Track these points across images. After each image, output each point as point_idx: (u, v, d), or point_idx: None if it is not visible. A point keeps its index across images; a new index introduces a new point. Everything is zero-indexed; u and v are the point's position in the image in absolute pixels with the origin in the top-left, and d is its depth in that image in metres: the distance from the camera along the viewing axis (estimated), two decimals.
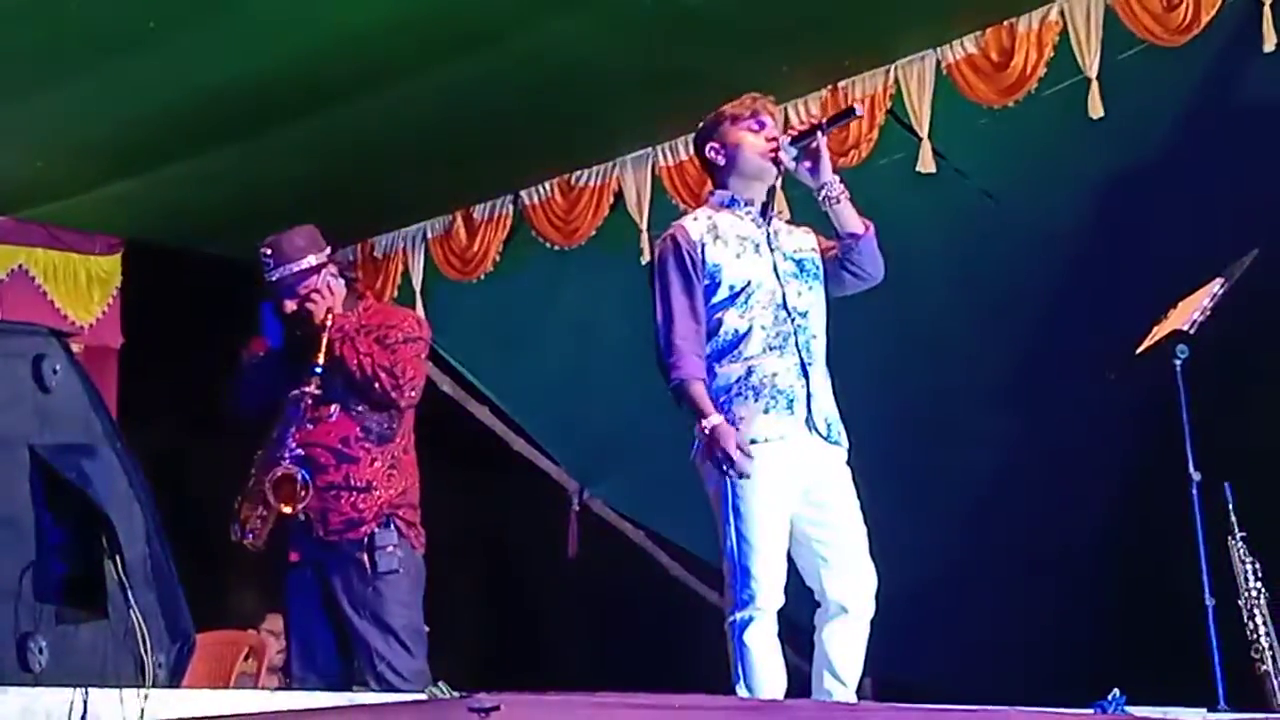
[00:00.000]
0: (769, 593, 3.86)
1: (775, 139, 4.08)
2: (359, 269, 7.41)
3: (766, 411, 3.91)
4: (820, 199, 4.05)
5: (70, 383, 3.27)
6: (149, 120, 6.22)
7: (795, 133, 4.10)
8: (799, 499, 3.93)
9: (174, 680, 3.22)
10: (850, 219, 4.04)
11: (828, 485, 3.96)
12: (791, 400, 3.93)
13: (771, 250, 4.04)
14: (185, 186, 6.88)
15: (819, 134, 4.03)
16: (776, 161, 4.06)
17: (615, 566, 7.90)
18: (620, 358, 7.17)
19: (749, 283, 3.98)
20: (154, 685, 3.03)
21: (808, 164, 4.05)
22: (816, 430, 3.95)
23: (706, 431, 3.87)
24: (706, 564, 6.46)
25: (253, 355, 4.70)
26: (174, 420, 7.15)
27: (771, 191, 4.18)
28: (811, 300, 4.04)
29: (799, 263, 4.07)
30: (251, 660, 5.71)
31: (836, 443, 3.99)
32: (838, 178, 4.04)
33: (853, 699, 3.97)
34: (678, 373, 3.93)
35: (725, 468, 3.84)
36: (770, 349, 3.95)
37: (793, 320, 3.98)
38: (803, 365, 3.96)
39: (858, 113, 4.33)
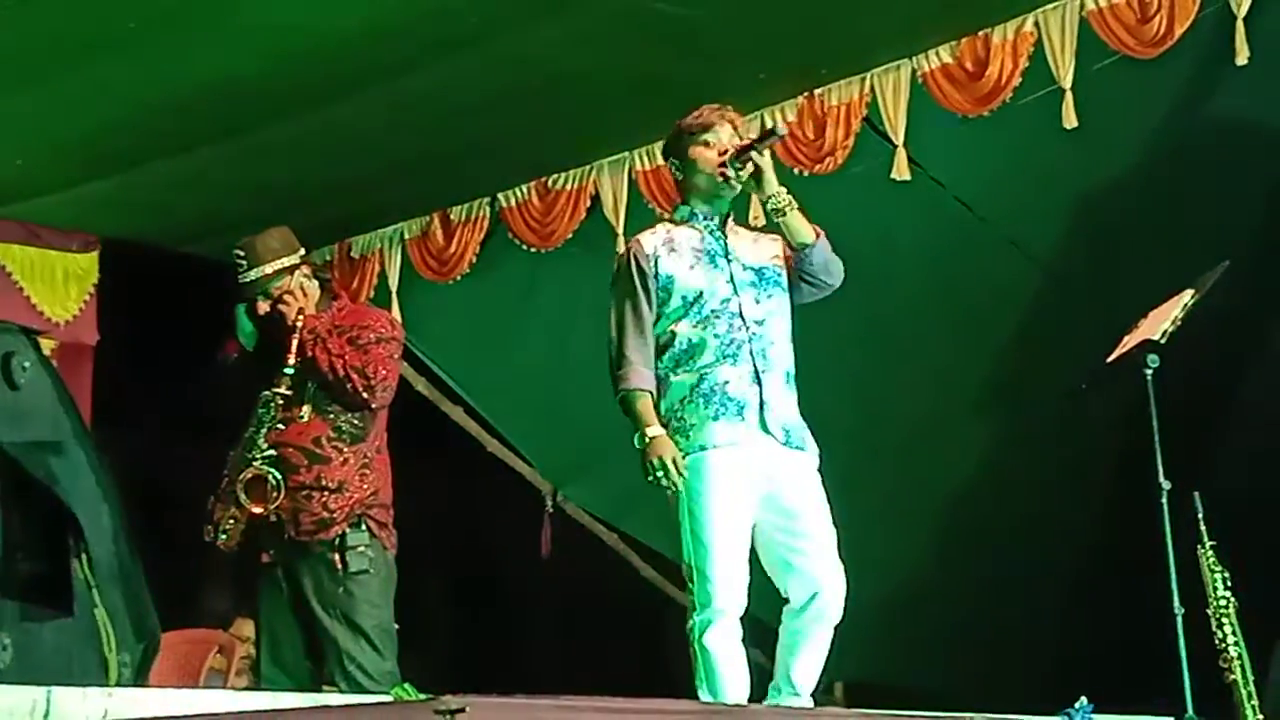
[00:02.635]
0: (726, 595, 3.88)
1: (725, 152, 4.10)
2: (335, 269, 7.41)
3: (716, 418, 3.95)
4: (769, 212, 4.09)
5: (39, 381, 3.26)
6: (128, 120, 6.21)
7: (733, 151, 4.13)
8: (760, 504, 3.95)
9: (139, 679, 3.22)
10: (799, 229, 4.07)
11: (792, 490, 3.98)
12: (742, 407, 3.96)
13: (729, 261, 4.08)
14: (163, 186, 6.87)
15: (752, 153, 4.06)
16: (727, 177, 4.09)
17: (588, 568, 7.91)
18: (595, 361, 7.15)
19: (701, 293, 4.02)
20: (118, 684, 3.02)
21: (754, 179, 4.08)
22: (772, 435, 3.97)
23: (647, 440, 3.93)
24: (678, 566, 6.46)
25: (227, 357, 4.70)
26: (148, 418, 7.14)
27: (731, 203, 4.18)
28: (770, 308, 4.06)
29: (759, 271, 4.10)
30: (221, 659, 5.70)
31: (799, 448, 4.01)
32: (784, 190, 4.06)
33: (808, 702, 3.98)
34: (625, 384, 4.01)
35: (659, 476, 3.90)
36: (724, 358, 3.99)
37: (747, 329, 4.01)
38: (756, 372, 3.98)
39: (780, 133, 4.30)
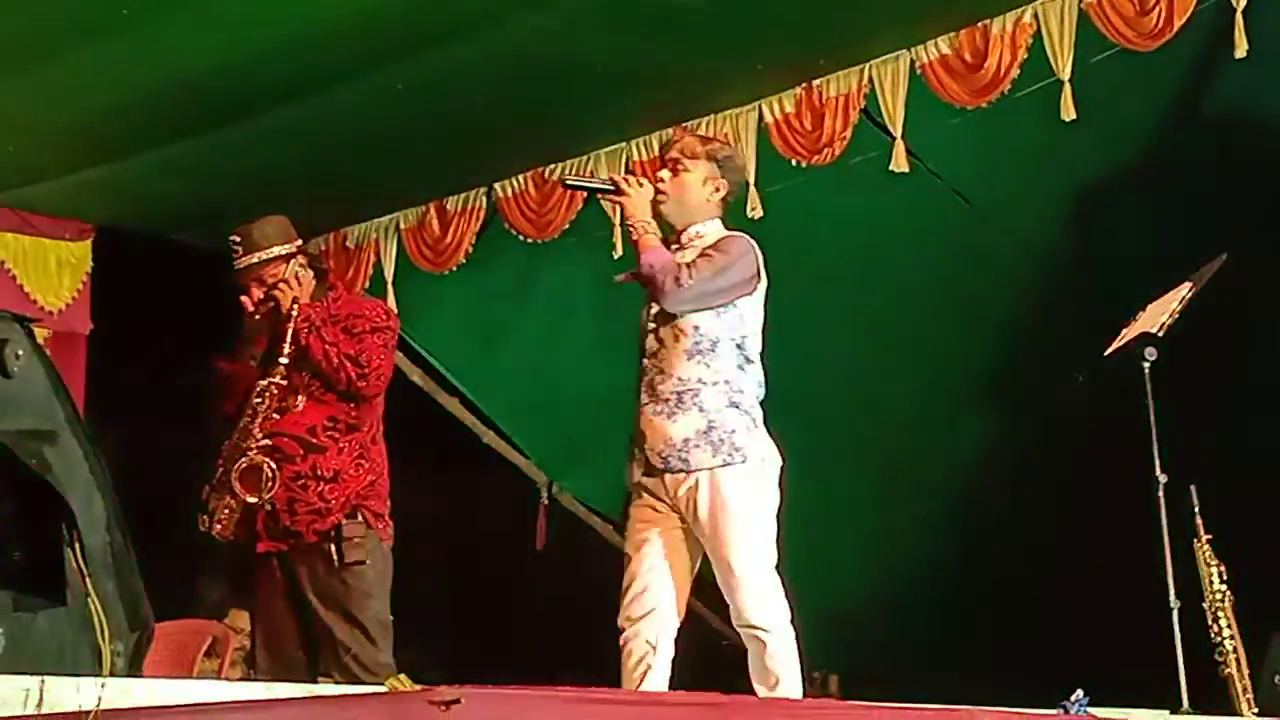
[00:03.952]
0: (629, 611, 4.02)
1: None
2: (330, 259, 7.39)
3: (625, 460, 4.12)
4: None
5: (32, 369, 3.23)
6: (122, 107, 6.20)
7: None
8: (682, 531, 4.04)
9: (133, 669, 3.20)
10: None
11: (698, 515, 4.00)
12: (631, 446, 4.09)
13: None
14: (157, 174, 6.85)
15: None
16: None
17: (583, 561, 7.89)
18: (591, 352, 7.18)
19: (638, 335, 4.13)
20: (112, 673, 3.00)
21: None
22: (655, 466, 4.02)
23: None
24: None
25: (229, 370, 4.65)
26: (142, 407, 7.12)
27: (667, 227, 4.16)
28: (665, 334, 4.05)
29: None
30: (216, 650, 5.68)
31: (680, 470, 4.00)
32: (632, 225, 4.08)
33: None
34: None
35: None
36: (635, 399, 4.10)
37: (644, 364, 4.08)
38: (640, 410, 4.05)
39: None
